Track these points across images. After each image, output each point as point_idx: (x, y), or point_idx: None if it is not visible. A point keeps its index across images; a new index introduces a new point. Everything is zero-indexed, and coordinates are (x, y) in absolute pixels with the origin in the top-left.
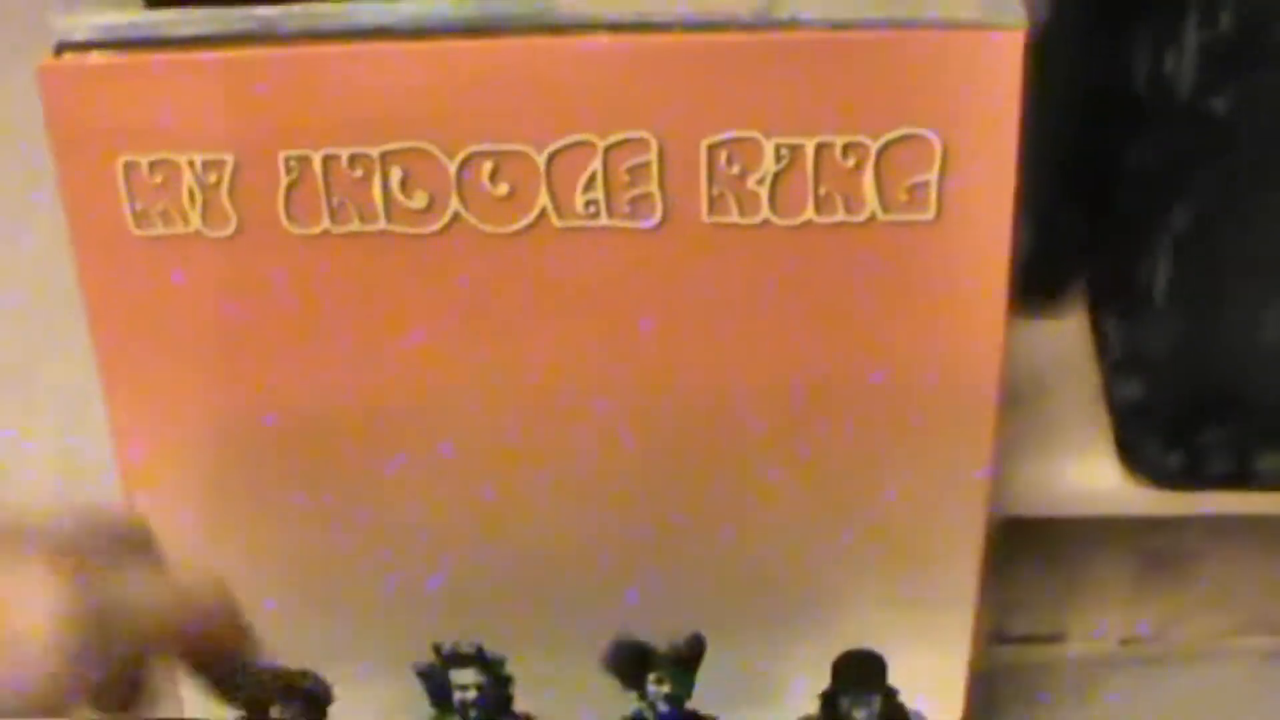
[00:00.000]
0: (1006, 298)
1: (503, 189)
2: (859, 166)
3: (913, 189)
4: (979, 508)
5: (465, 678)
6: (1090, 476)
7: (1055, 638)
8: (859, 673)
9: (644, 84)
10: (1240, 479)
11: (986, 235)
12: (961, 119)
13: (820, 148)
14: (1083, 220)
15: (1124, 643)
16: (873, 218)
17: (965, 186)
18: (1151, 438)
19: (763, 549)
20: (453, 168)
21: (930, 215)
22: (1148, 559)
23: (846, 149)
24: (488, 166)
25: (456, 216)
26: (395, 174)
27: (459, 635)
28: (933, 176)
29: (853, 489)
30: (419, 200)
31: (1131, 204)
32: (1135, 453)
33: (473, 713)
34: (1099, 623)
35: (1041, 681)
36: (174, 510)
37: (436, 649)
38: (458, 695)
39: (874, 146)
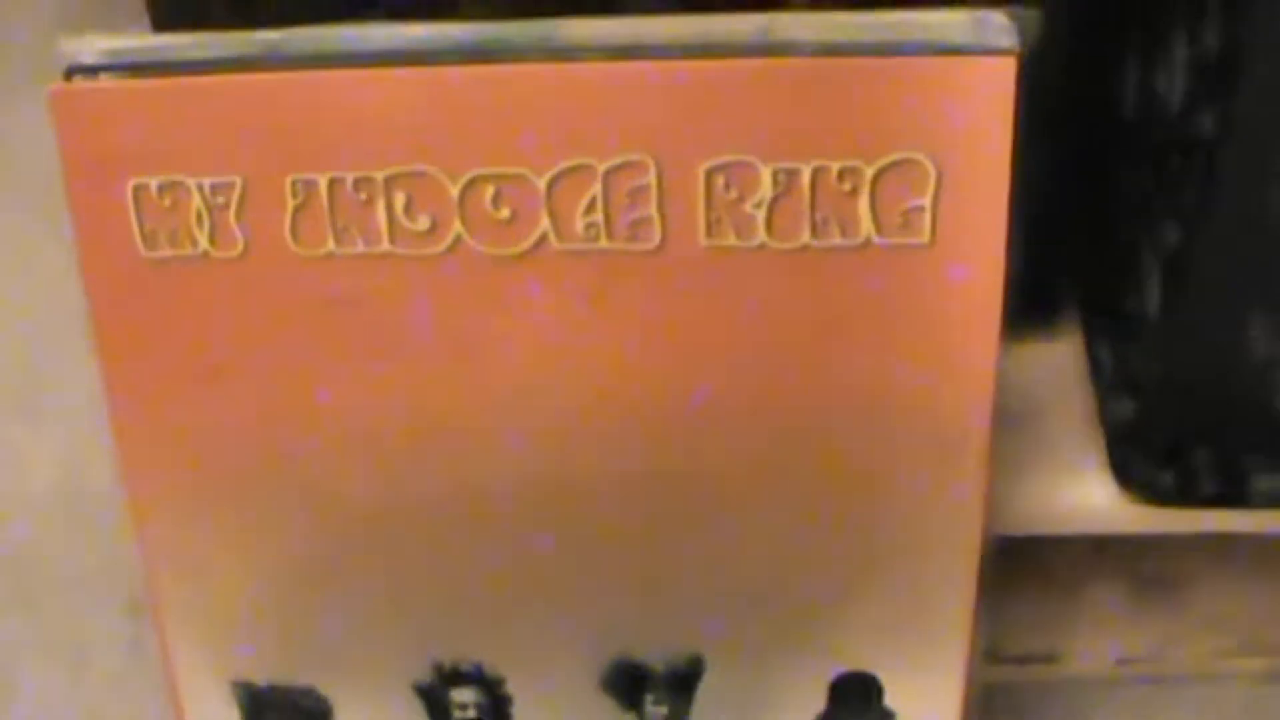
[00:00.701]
0: (1000, 320)
1: (504, 212)
2: (854, 191)
3: (907, 213)
4: (974, 529)
5: (465, 696)
6: (1084, 496)
7: (1050, 658)
8: (855, 695)
9: (643, 108)
10: (1233, 499)
11: (980, 258)
12: (955, 144)
13: (816, 172)
14: (1075, 242)
15: (1120, 664)
16: (868, 242)
17: (959, 210)
18: (1144, 457)
19: (759, 571)
20: (455, 191)
21: (925, 239)
22: (1143, 581)
23: (842, 174)
24: (489, 190)
25: (459, 239)
26: (399, 197)
27: (459, 654)
28: (927, 201)
29: (848, 511)
30: (422, 223)
31: (1122, 225)
32: (1128, 472)
33: None
34: (1094, 643)
35: (1036, 702)
36: (177, 528)
37: (437, 668)
38: (457, 714)
39: (869, 171)
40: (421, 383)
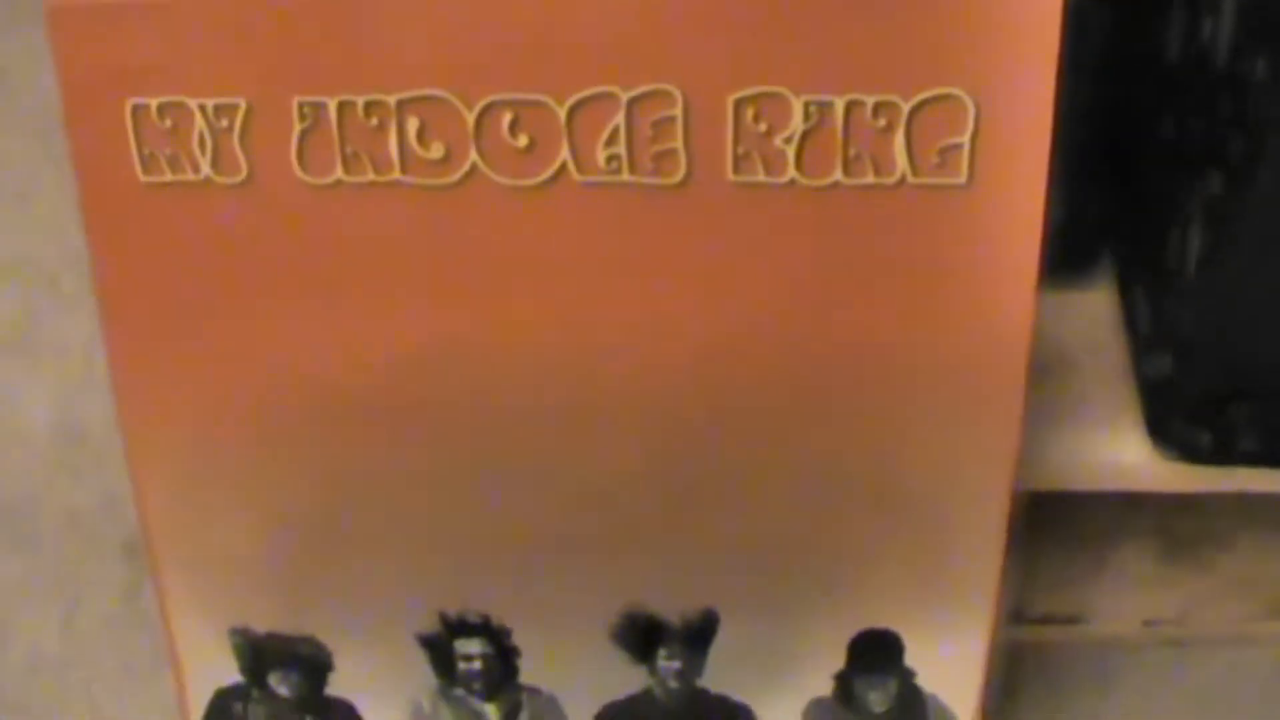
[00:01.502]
0: (1038, 267)
1: (522, 141)
2: (890, 127)
3: (944, 151)
4: (1005, 484)
5: (470, 648)
6: (1117, 451)
7: (1077, 618)
8: (875, 654)
9: (670, 35)
10: (1270, 458)
11: (1019, 201)
12: (996, 80)
13: (850, 106)
14: (1112, 190)
15: (1147, 625)
16: (902, 180)
17: (999, 150)
18: (1180, 414)
19: (779, 523)
20: (471, 118)
21: (962, 179)
22: (1173, 541)
23: (877, 108)
24: (507, 117)
25: (474, 168)
26: (412, 123)
27: (465, 604)
28: (965, 139)
29: (874, 461)
30: (436, 151)
31: (1163, 174)
32: (1163, 429)
33: (477, 684)
34: (1121, 604)
35: (1061, 663)
36: (174, 470)
37: (442, 618)
38: (462, 665)
39: (906, 106)
40: (431, 319)
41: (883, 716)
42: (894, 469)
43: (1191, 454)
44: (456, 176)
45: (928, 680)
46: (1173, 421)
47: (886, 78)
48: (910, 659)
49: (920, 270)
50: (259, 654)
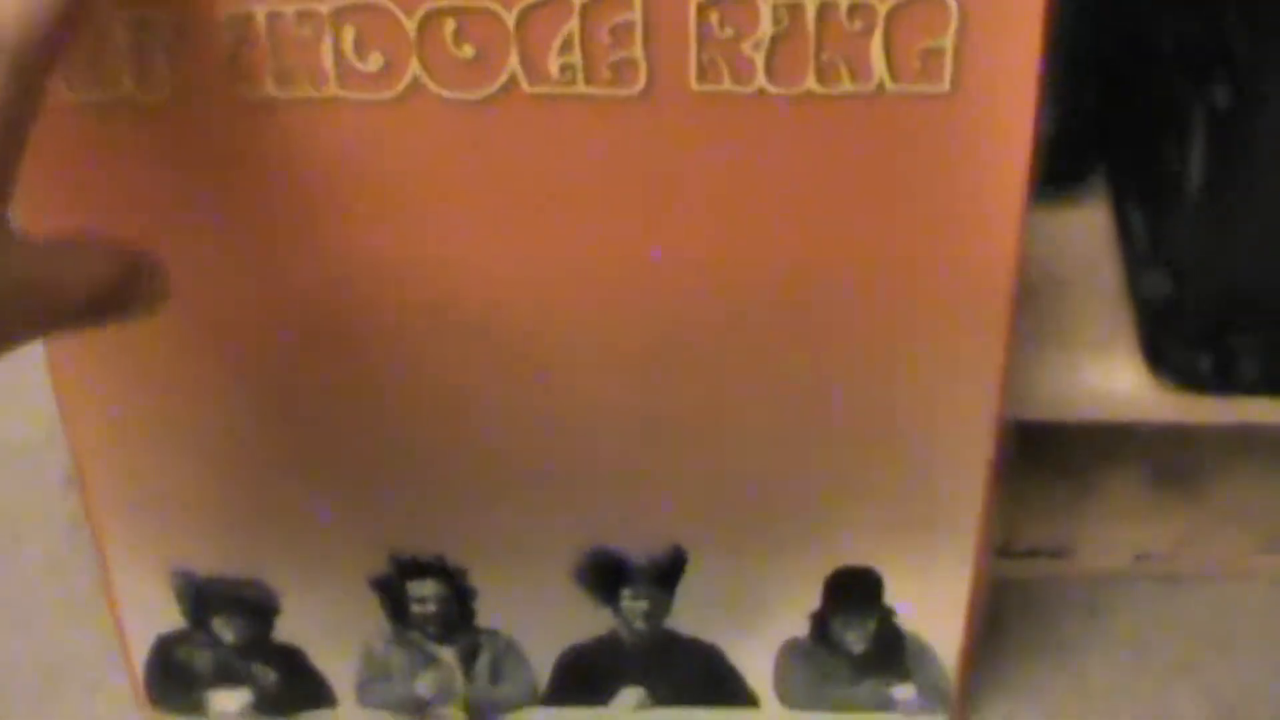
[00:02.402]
0: (1027, 181)
1: (467, 51)
2: (866, 30)
3: (925, 56)
4: (990, 413)
5: (424, 590)
6: (1110, 379)
7: (1064, 552)
8: (853, 592)
9: None
10: (1275, 386)
11: (1007, 110)
12: None
13: (823, 8)
14: (1106, 98)
15: (1137, 559)
16: (880, 88)
17: (985, 54)
18: (1180, 339)
19: (752, 455)
20: (412, 27)
21: (945, 86)
22: (1163, 472)
23: (852, 10)
24: (450, 25)
25: (416, 81)
26: (348, 33)
27: (418, 543)
28: (948, 42)
29: (850, 391)
30: (374, 63)
31: (1163, 83)
32: (1161, 354)
33: (432, 627)
34: (1110, 538)
35: (1047, 599)
36: (110, 409)
37: (393, 559)
38: (416, 608)
39: (883, 8)
40: (374, 246)
41: (861, 657)
42: (872, 396)
43: (1191, 381)
44: (397, 90)
45: (908, 619)
46: (1171, 346)
47: None
48: (890, 597)
49: (900, 185)
50: (202, 598)
